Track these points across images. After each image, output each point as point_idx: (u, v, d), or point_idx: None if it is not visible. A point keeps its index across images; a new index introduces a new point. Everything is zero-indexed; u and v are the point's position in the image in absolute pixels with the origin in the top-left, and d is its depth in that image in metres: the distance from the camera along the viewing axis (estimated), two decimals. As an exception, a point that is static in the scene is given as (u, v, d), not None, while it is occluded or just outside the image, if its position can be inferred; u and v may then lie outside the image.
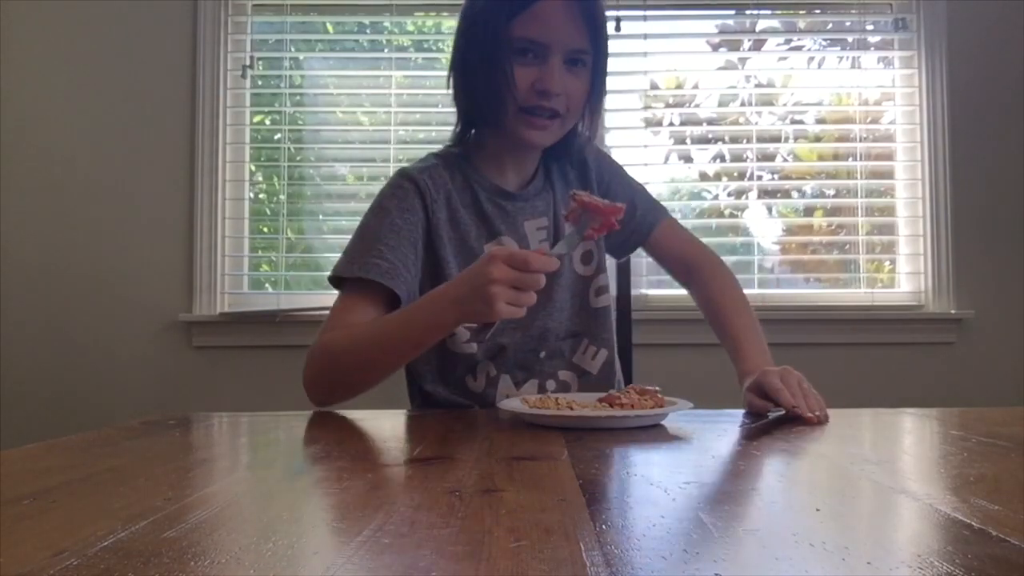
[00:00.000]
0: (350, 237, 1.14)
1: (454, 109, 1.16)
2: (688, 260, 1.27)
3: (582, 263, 1.20)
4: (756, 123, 2.44)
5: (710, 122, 2.48)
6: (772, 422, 0.89)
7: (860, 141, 2.42)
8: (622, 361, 1.38)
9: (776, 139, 2.46)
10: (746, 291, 1.21)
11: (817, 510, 0.49)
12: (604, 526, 0.44)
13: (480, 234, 1.13)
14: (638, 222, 1.24)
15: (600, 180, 1.24)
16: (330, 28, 2.51)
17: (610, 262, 1.29)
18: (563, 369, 1.18)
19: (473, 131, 1.16)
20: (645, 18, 2.41)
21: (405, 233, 1.08)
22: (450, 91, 1.14)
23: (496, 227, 1.14)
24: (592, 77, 1.09)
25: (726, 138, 2.48)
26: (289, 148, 2.45)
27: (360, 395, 1.03)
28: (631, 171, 1.32)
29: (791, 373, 0.95)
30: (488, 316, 0.89)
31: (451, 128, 1.18)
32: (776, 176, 2.48)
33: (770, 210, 2.46)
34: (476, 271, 0.89)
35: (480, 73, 1.06)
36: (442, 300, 0.95)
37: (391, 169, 2.37)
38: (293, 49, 2.48)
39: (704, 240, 1.31)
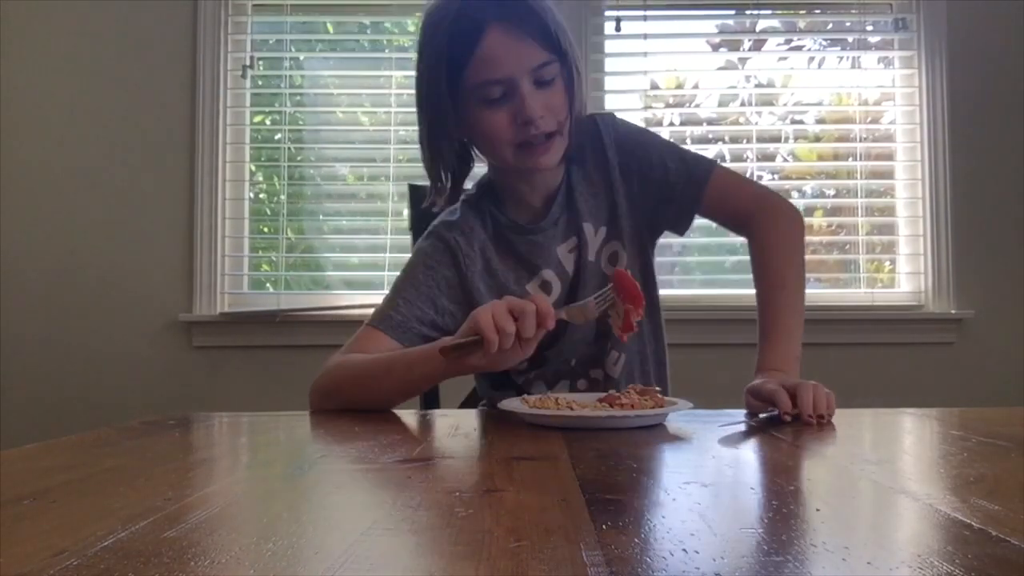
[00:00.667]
0: (353, 239, 1.15)
1: None
2: (742, 215, 1.15)
3: (609, 263, 1.15)
4: (756, 123, 2.44)
5: (710, 122, 2.48)
6: (771, 422, 0.89)
7: (860, 141, 2.42)
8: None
9: (776, 139, 2.46)
10: (746, 291, 1.16)
11: (817, 510, 0.49)
12: (604, 526, 0.44)
13: (520, 276, 1.13)
14: (680, 196, 1.13)
15: (621, 163, 1.14)
16: (330, 28, 2.52)
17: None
18: (594, 368, 1.17)
19: (469, 182, 1.16)
20: (645, 18, 2.41)
21: (424, 289, 1.10)
22: (424, 159, 1.12)
23: (534, 264, 1.13)
24: (566, 78, 1.05)
25: (726, 138, 2.48)
26: (289, 148, 2.45)
27: None
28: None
29: (790, 379, 0.94)
30: (474, 328, 0.87)
31: None
32: (776, 176, 2.48)
33: (770, 210, 2.46)
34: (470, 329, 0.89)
35: (457, 140, 1.07)
36: (437, 342, 0.97)
37: (391, 169, 2.38)
38: (293, 49, 2.48)
39: (704, 239, 1.27)
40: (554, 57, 1.02)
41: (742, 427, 0.86)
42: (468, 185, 1.20)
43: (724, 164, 1.18)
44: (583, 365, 1.17)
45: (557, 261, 1.13)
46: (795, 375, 1.00)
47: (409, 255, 1.19)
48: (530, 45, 1.00)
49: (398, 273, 1.15)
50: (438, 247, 1.12)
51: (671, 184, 1.13)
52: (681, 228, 1.19)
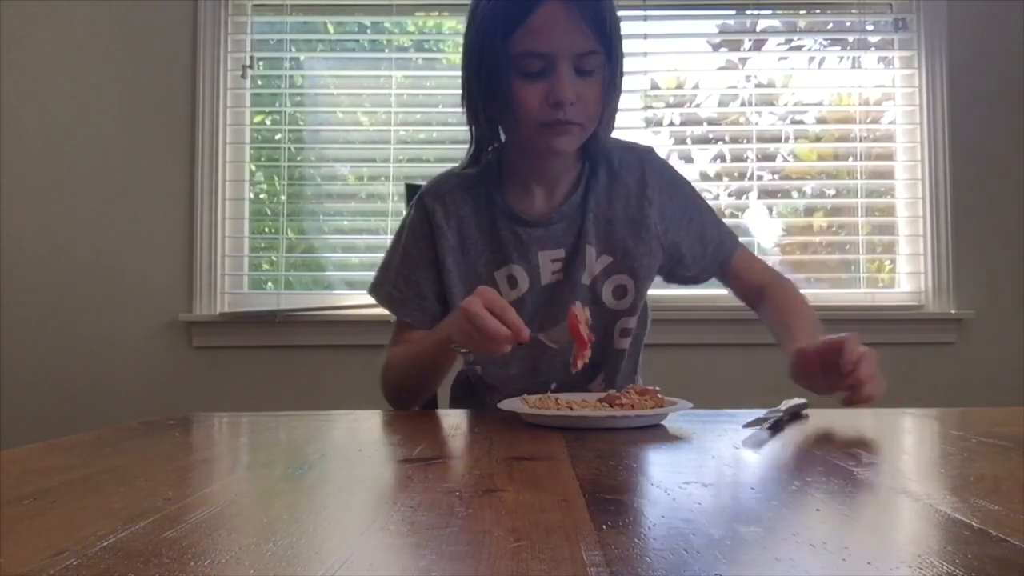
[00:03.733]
0: (353, 239, 1.16)
1: (455, 109, 1.20)
2: (760, 287, 1.19)
3: (614, 297, 1.13)
4: (756, 123, 2.44)
5: (711, 122, 2.48)
6: (775, 423, 0.88)
7: (860, 141, 2.42)
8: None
9: (776, 139, 2.46)
10: None
11: (817, 510, 0.49)
12: (604, 526, 0.44)
13: (491, 260, 1.12)
14: (708, 260, 1.18)
15: (662, 207, 1.14)
16: (330, 28, 2.51)
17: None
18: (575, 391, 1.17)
19: (492, 151, 1.13)
20: (645, 18, 2.41)
21: (417, 259, 1.14)
22: (463, 112, 1.11)
23: (508, 255, 1.11)
24: (607, 75, 1.03)
25: (727, 138, 2.48)
26: (289, 148, 2.45)
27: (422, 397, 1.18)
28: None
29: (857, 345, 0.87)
30: (455, 335, 0.92)
31: (451, 128, 1.20)
32: (776, 176, 2.48)
33: (770, 210, 2.46)
34: (458, 314, 0.91)
35: (492, 99, 1.04)
36: (444, 321, 1.04)
37: (391, 169, 2.38)
38: (293, 49, 2.48)
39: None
40: (601, 49, 1.00)
41: (766, 425, 0.84)
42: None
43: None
44: (563, 391, 1.16)
45: (535, 264, 1.11)
46: None
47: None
48: (582, 30, 0.98)
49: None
50: (419, 218, 1.15)
51: (704, 243, 1.17)
52: (688, 283, 1.23)
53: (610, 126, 1.09)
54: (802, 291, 1.19)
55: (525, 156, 1.11)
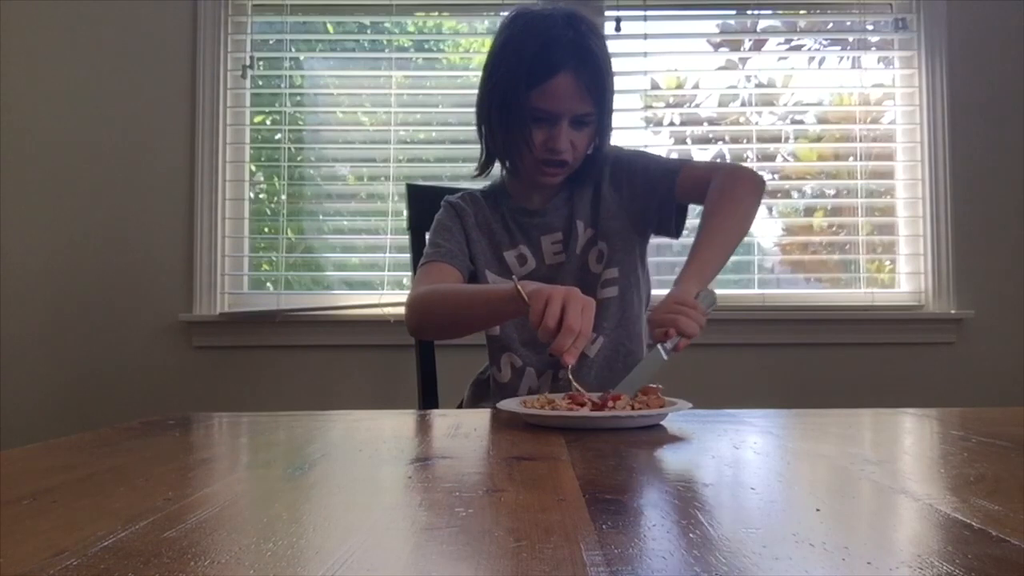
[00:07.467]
0: (353, 239, 1.19)
1: (455, 109, 1.28)
2: (706, 182, 1.26)
3: (596, 261, 1.31)
4: (756, 123, 2.44)
5: (711, 122, 2.48)
6: (774, 420, 0.89)
7: (860, 141, 2.42)
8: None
9: (776, 139, 2.46)
10: (746, 291, 1.22)
11: (817, 510, 0.49)
12: (604, 526, 0.44)
13: (503, 243, 1.35)
14: (661, 189, 1.29)
15: (614, 176, 1.34)
16: (330, 28, 2.51)
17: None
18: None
19: (497, 164, 1.35)
20: (645, 18, 2.41)
21: (455, 230, 1.35)
22: (475, 130, 1.35)
23: (516, 238, 1.35)
24: (597, 123, 1.26)
25: (727, 138, 2.48)
26: (289, 148, 2.45)
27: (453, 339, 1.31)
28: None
29: (675, 301, 1.03)
30: (529, 295, 0.97)
31: (451, 128, 1.27)
32: (776, 176, 2.48)
33: (770, 210, 2.46)
34: (560, 287, 0.98)
35: (504, 133, 1.27)
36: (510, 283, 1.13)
37: (391, 169, 2.38)
38: (293, 49, 2.48)
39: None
40: (595, 111, 1.25)
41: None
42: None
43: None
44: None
45: (538, 246, 1.34)
46: (692, 290, 1.08)
47: (409, 254, 1.49)
48: (583, 96, 1.22)
49: (399, 273, 1.38)
50: (448, 209, 1.38)
51: (651, 180, 1.31)
52: (666, 223, 1.32)
53: (601, 152, 1.32)
54: (796, 289, 1.22)
55: (523, 180, 1.34)
